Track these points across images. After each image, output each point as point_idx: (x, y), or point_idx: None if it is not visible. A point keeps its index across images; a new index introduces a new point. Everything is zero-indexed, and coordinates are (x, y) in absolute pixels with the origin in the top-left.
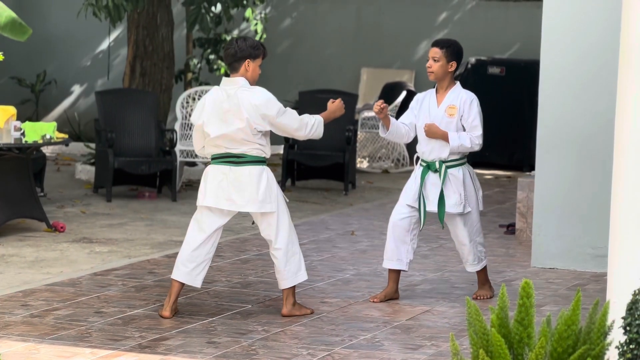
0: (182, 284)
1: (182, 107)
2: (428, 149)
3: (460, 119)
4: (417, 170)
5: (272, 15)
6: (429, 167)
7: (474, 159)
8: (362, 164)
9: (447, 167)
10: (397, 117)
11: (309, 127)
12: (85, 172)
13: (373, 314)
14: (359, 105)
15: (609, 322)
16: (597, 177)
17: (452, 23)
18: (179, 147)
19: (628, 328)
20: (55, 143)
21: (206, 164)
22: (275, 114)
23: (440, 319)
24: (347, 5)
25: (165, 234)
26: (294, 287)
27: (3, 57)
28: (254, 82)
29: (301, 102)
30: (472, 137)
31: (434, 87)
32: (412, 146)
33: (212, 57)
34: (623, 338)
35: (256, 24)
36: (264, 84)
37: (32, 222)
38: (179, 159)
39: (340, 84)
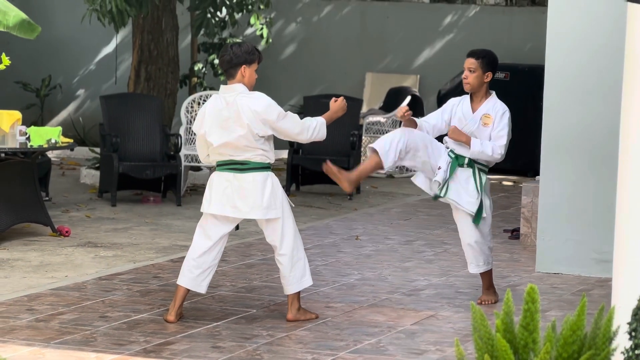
0: (188, 290)
1: (187, 111)
2: (453, 147)
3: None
4: (445, 152)
5: (277, 20)
6: (457, 159)
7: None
8: None
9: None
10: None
11: (310, 130)
12: (90, 176)
13: (378, 319)
14: (364, 110)
15: (614, 328)
16: (601, 182)
17: (456, 28)
18: (183, 152)
19: (633, 333)
20: (60, 147)
21: (210, 168)
22: (276, 118)
23: (445, 323)
24: (352, 11)
25: (169, 239)
26: (299, 292)
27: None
28: (251, 87)
29: (306, 107)
30: (494, 145)
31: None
32: None
33: (217, 61)
34: (628, 343)
35: (261, 29)
36: (268, 89)
37: (37, 227)
38: (184, 163)
39: (344, 89)
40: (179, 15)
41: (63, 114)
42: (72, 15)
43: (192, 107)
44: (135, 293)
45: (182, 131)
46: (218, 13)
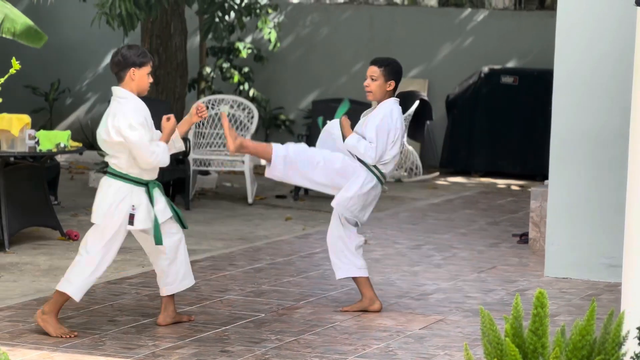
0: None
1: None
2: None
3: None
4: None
5: (286, 23)
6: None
7: (487, 168)
8: None
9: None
10: (410, 127)
11: (154, 155)
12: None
13: (386, 323)
14: None
15: (623, 333)
16: (611, 187)
17: (465, 32)
18: (192, 156)
19: None
20: (70, 151)
21: (219, 172)
22: (125, 127)
23: (454, 328)
24: (361, 14)
25: None
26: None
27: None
28: (142, 92)
29: (315, 111)
30: (367, 145)
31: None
32: (425, 155)
33: (225, 65)
34: (638, 349)
35: (269, 32)
36: (277, 93)
37: (46, 231)
38: (192, 167)
39: (353, 93)
40: (187, 19)
41: (72, 118)
42: (81, 20)
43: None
44: (144, 297)
45: (190, 135)
46: (226, 17)
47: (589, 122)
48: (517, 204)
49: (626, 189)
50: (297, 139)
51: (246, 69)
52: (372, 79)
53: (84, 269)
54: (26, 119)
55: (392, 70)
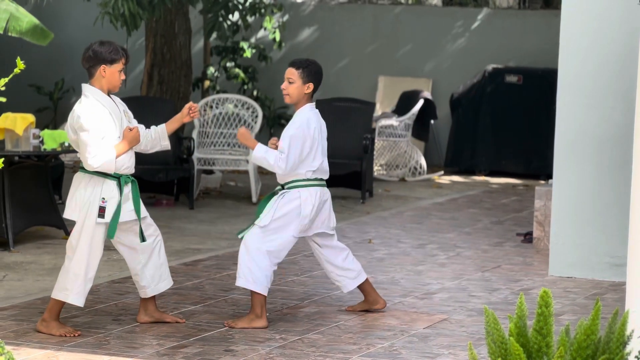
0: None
1: (200, 115)
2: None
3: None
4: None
5: (290, 23)
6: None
7: (491, 167)
8: (379, 172)
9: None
10: (414, 126)
11: (96, 158)
12: None
13: (390, 322)
14: (376, 113)
15: (628, 332)
16: (615, 186)
17: (469, 32)
18: (196, 155)
19: None
20: (74, 151)
21: (223, 171)
22: (78, 126)
23: (458, 327)
24: (364, 14)
25: (182, 242)
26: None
27: (24, 66)
28: (113, 89)
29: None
30: (277, 156)
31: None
32: (429, 155)
33: (229, 65)
34: None
35: (274, 32)
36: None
37: (51, 230)
38: (197, 166)
39: (357, 92)
40: (191, 19)
41: None
42: (85, 19)
43: (204, 110)
44: None
45: (194, 134)
46: (230, 16)
47: (593, 121)
48: (521, 203)
49: (630, 188)
50: None
51: (250, 69)
52: (290, 82)
53: (76, 274)
54: (30, 118)
55: (311, 72)
